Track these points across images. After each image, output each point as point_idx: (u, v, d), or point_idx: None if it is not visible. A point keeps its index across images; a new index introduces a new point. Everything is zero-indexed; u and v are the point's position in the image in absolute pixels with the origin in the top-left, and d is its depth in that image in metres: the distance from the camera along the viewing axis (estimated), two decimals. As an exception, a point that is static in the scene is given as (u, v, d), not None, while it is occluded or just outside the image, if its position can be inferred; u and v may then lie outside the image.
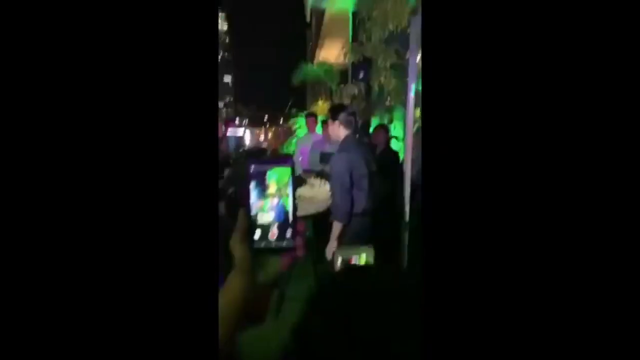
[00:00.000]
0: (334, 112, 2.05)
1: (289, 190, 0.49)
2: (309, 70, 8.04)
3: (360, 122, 4.05)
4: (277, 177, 0.49)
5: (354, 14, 4.65)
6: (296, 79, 8.02)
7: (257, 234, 0.49)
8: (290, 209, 0.49)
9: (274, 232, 0.50)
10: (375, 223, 2.11)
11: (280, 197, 0.49)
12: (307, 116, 4.20)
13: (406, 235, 2.73)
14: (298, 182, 2.90)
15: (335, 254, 0.66)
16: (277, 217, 0.49)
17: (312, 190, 2.35)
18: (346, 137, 2.03)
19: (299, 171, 3.64)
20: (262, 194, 0.49)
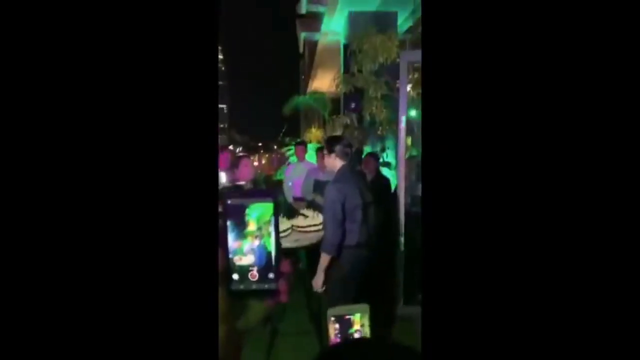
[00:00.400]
0: (330, 144, 2.05)
1: (271, 229, 0.44)
2: (302, 99, 8.21)
3: (353, 151, 4.09)
4: (258, 214, 0.44)
5: (345, 47, 4.83)
6: (288, 107, 8.16)
7: (235, 275, 0.45)
8: (272, 248, 0.45)
9: (254, 273, 0.45)
10: (370, 254, 2.07)
11: (261, 236, 0.44)
12: (296, 144, 4.21)
13: (402, 266, 2.68)
14: (291, 212, 2.87)
15: (328, 314, 0.61)
16: (258, 259, 0.45)
17: (305, 221, 2.31)
18: (341, 168, 2.02)
19: (289, 198, 3.61)
20: (240, 233, 0.45)
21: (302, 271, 2.49)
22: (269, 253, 0.45)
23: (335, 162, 2.03)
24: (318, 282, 1.94)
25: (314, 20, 10.16)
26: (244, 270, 0.45)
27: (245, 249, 0.44)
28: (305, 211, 2.46)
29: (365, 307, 0.60)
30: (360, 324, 0.60)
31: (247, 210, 0.44)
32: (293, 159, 5.08)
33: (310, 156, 4.31)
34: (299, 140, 6.58)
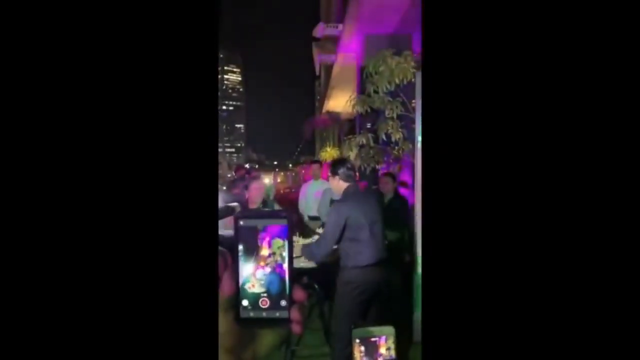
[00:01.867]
0: (334, 167, 2.15)
1: (285, 253, 0.42)
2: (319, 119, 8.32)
3: (368, 171, 4.08)
4: (272, 237, 0.42)
5: (361, 68, 4.92)
6: (307, 130, 8.26)
7: (245, 302, 0.42)
8: (286, 274, 0.42)
9: (265, 300, 0.42)
10: (381, 275, 2.04)
11: (274, 261, 0.42)
12: (311, 163, 4.24)
13: (419, 287, 2.61)
14: (307, 231, 2.86)
15: (353, 336, 0.60)
16: (270, 285, 0.42)
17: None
18: (346, 189, 2.09)
19: (304, 217, 3.61)
20: (252, 257, 0.42)
21: (317, 293, 2.46)
22: (282, 279, 0.42)
23: (339, 184, 2.11)
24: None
25: (330, 43, 10.44)
26: (254, 297, 0.42)
27: (257, 274, 0.42)
28: (320, 230, 2.46)
29: (390, 329, 0.58)
30: (386, 347, 0.58)
31: (261, 233, 0.42)
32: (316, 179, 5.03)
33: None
34: (314, 159, 6.63)
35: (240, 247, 0.42)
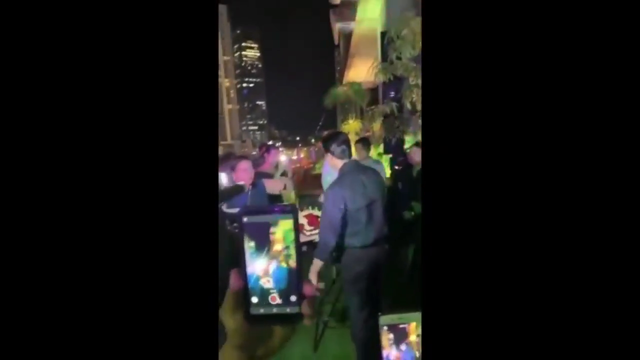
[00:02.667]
0: (326, 143, 1.91)
1: (293, 248, 0.41)
2: (339, 91, 8.13)
3: (394, 141, 3.96)
4: (284, 232, 0.40)
5: (383, 34, 4.66)
6: (327, 100, 8.12)
7: (255, 298, 0.41)
8: (294, 269, 0.41)
9: (274, 296, 0.41)
10: (381, 254, 1.92)
11: (284, 257, 0.40)
12: (322, 140, 4.16)
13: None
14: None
15: (380, 323, 0.57)
16: (279, 281, 0.41)
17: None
18: (342, 167, 1.86)
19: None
20: (259, 253, 0.41)
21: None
22: (291, 274, 0.41)
23: (335, 162, 1.87)
24: (309, 289, 1.78)
25: (348, 9, 9.97)
26: (264, 293, 0.41)
27: (266, 270, 0.41)
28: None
29: (419, 315, 0.55)
30: (416, 334, 0.55)
31: (272, 228, 0.40)
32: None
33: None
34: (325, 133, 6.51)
35: (252, 243, 0.40)
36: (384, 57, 3.95)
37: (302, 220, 2.27)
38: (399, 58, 3.41)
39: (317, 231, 2.17)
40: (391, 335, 0.55)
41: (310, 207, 2.52)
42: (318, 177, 5.45)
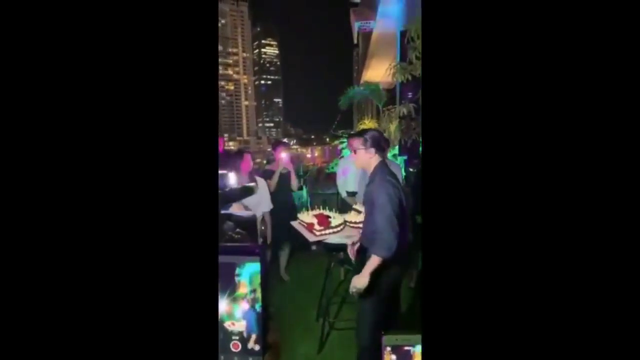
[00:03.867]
0: (362, 134, 1.79)
1: (259, 292, 0.39)
2: (356, 91, 8.06)
3: (409, 143, 3.89)
4: (249, 274, 0.38)
5: (402, 33, 4.58)
6: (343, 100, 8.06)
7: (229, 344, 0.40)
8: (260, 313, 0.39)
9: (236, 343, 0.40)
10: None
11: (251, 300, 0.38)
12: (349, 136, 4.12)
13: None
14: (344, 207, 2.80)
15: (383, 343, 0.53)
16: (249, 327, 0.39)
17: (358, 217, 2.23)
18: (379, 165, 1.75)
19: (342, 193, 3.55)
20: (222, 294, 0.39)
21: (353, 269, 2.43)
22: (257, 320, 0.39)
23: (369, 158, 1.74)
24: (361, 281, 1.69)
25: (368, 9, 9.89)
26: (226, 338, 0.40)
27: (237, 313, 0.39)
28: (358, 206, 2.38)
29: (419, 336, 0.51)
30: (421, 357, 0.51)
31: (237, 270, 0.39)
32: (346, 152, 5.01)
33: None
34: (352, 132, 6.47)
35: (219, 283, 0.39)
36: (403, 56, 3.88)
37: (312, 220, 2.22)
38: (418, 58, 3.33)
39: (327, 231, 2.12)
40: (394, 357, 0.51)
41: (321, 207, 2.48)
42: (332, 176, 5.42)
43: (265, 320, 0.37)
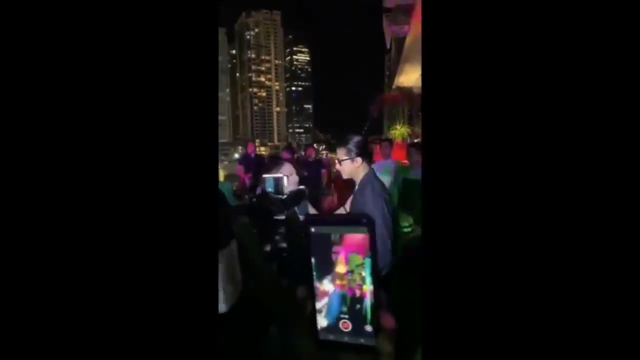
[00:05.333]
0: (347, 142, 1.57)
1: (365, 272, 0.33)
2: (387, 96, 8.02)
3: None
4: (350, 252, 0.33)
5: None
6: (375, 105, 8.03)
7: (324, 322, 0.35)
8: (369, 294, 0.34)
9: (346, 323, 0.35)
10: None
11: (353, 281, 0.34)
12: (381, 142, 4.10)
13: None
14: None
15: None
16: (349, 307, 0.35)
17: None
18: (369, 177, 1.58)
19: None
20: (327, 272, 0.35)
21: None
22: (363, 302, 0.34)
23: (356, 167, 1.56)
24: (388, 321, 1.42)
25: (402, 14, 9.82)
26: (334, 318, 0.35)
27: (334, 291, 0.35)
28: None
29: None
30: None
31: (335, 246, 0.33)
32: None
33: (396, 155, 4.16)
34: (383, 137, 6.43)
35: (313, 260, 0.35)
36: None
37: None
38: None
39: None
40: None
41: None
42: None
43: (377, 301, 0.35)
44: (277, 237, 0.62)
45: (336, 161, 1.63)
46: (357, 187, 1.59)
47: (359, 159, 1.55)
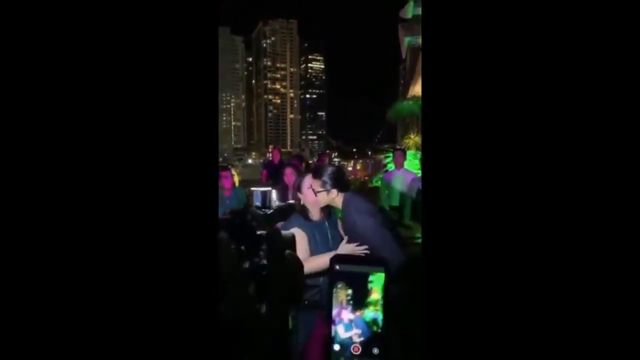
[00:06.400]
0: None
1: (382, 301, 0.41)
2: (404, 105, 8.01)
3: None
4: (378, 284, 0.41)
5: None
6: (391, 114, 8.03)
7: (336, 346, 0.42)
8: (380, 320, 0.41)
9: (356, 346, 0.41)
10: None
11: (375, 308, 0.41)
12: (394, 150, 4.10)
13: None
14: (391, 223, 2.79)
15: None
16: (364, 331, 0.41)
17: (409, 232, 2.20)
18: (347, 199, 1.58)
19: (386, 207, 3.53)
20: (355, 301, 0.41)
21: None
22: (377, 325, 0.41)
23: (333, 198, 1.58)
24: (347, 248, 1.50)
25: (418, 24, 9.83)
26: (346, 342, 0.42)
27: (354, 319, 0.42)
28: (408, 222, 2.37)
29: None
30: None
31: (371, 277, 0.41)
32: (390, 166, 4.97)
33: (410, 164, 4.15)
34: (397, 146, 6.42)
35: (349, 291, 0.41)
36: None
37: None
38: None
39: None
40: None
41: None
42: (374, 190, 5.38)
43: (386, 326, 0.41)
44: (258, 254, 0.59)
45: (311, 191, 1.63)
46: (343, 212, 1.60)
47: (334, 191, 1.57)
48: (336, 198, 1.59)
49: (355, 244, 1.49)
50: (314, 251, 1.56)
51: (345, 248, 1.49)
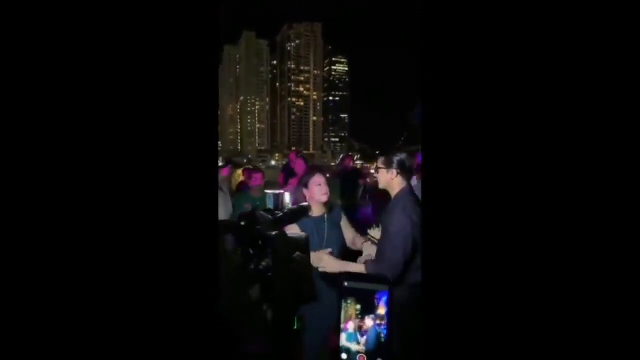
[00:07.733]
0: (391, 157, 1.58)
1: (386, 315, 0.45)
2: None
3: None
4: (384, 298, 0.46)
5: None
6: (413, 118, 7.91)
7: (344, 355, 0.46)
8: (384, 334, 0.45)
9: (362, 356, 0.45)
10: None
11: (380, 323, 0.45)
12: (418, 152, 4.03)
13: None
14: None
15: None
16: (370, 342, 0.45)
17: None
18: (405, 190, 1.55)
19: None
20: (363, 314, 0.46)
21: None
22: (381, 338, 0.45)
23: (390, 179, 1.55)
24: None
25: (443, 25, 9.63)
26: (352, 353, 0.46)
27: (362, 330, 0.46)
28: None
29: None
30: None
31: (378, 295, 0.46)
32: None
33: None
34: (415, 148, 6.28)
35: (358, 306, 0.45)
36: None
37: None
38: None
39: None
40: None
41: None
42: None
43: (390, 338, 0.45)
44: (265, 256, 0.58)
45: (317, 188, 1.63)
46: (391, 201, 1.57)
47: (394, 171, 1.56)
48: (394, 180, 1.57)
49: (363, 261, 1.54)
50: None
51: (356, 267, 1.51)
